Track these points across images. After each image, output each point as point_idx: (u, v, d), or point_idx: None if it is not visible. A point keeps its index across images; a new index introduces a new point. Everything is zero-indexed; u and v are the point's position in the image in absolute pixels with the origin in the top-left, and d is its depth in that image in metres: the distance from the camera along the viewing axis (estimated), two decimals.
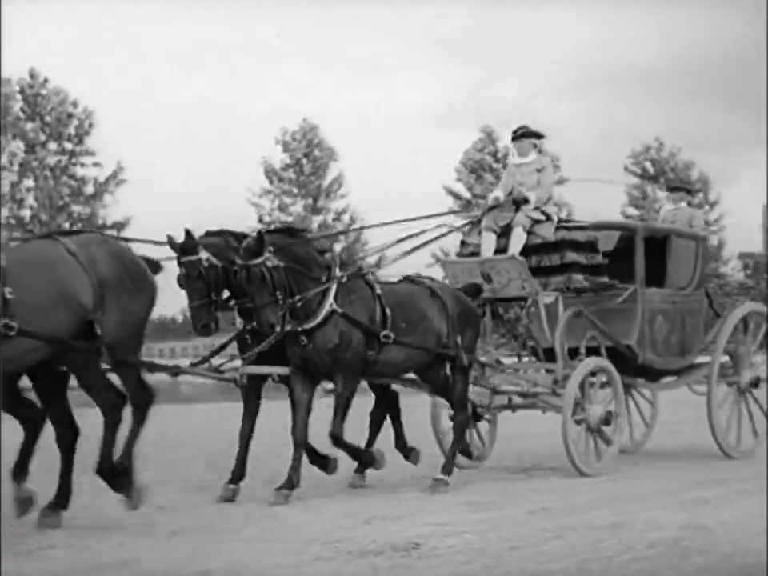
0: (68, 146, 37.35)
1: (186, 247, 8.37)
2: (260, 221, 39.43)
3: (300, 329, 8.34)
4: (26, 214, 37.49)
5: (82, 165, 37.77)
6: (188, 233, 8.39)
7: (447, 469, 8.99)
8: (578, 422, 9.62)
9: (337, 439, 8.42)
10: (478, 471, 10.01)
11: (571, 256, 9.88)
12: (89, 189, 37.73)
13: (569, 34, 65.55)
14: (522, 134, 10.40)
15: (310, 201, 41.20)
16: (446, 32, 64.82)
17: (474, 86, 67.12)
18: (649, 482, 9.24)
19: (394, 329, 8.69)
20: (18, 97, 37.04)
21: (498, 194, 10.32)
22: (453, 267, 10.52)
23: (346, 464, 8.97)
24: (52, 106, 37.23)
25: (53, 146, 37.34)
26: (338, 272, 8.62)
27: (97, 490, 7.60)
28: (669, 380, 11.34)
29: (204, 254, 8.35)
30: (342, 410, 8.47)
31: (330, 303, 8.40)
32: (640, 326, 10.38)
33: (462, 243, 10.56)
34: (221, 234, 8.63)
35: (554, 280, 9.96)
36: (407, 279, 9.38)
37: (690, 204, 12.62)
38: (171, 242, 8.43)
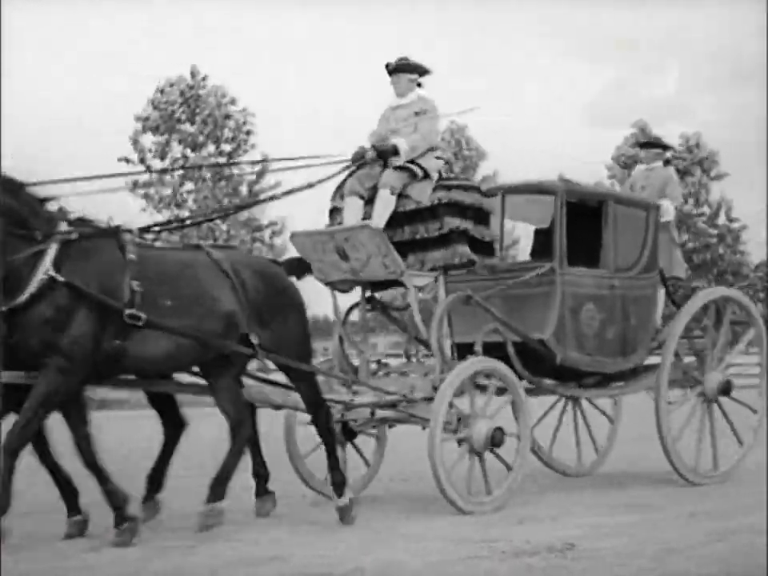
0: (226, 147, 37.79)
1: None
2: None
3: (4, 308, 6.07)
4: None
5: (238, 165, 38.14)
6: None
7: (339, 491, 7.30)
8: (459, 442, 7.65)
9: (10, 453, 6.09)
10: (635, 474, 9.80)
11: (452, 222, 7.62)
12: (244, 189, 38.17)
13: (716, 28, 64.07)
14: (398, 68, 8.07)
15: None
16: (595, 30, 64.09)
17: (621, 83, 66.14)
18: None
19: (151, 307, 6.42)
20: (179, 100, 37.63)
21: (367, 145, 7.95)
22: (302, 241, 8.01)
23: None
24: (209, 110, 37.75)
25: (211, 148, 37.89)
26: (65, 227, 6.40)
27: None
28: (617, 386, 9.24)
29: None
30: (29, 414, 6.13)
31: (46, 269, 6.15)
32: (558, 316, 8.23)
33: (332, 212, 8.17)
34: None
35: (432, 256, 7.72)
36: (190, 246, 7.37)
37: (668, 164, 10.35)
38: None
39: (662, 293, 9.28)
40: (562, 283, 8.25)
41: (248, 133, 37.10)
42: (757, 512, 7.26)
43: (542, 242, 8.94)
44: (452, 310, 7.90)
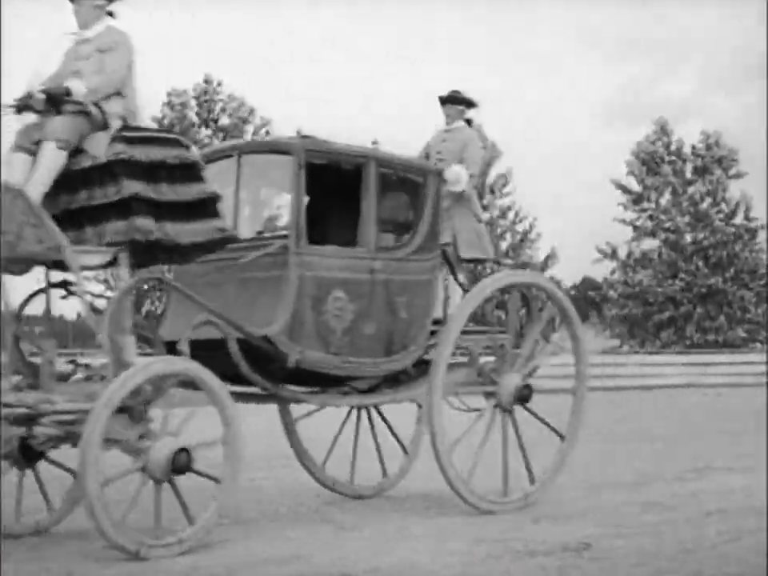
0: None
1: None
2: None
3: None
4: None
5: None
6: None
7: None
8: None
9: None
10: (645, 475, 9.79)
11: (131, 186, 6.00)
12: None
13: (734, 28, 63.91)
14: None
15: None
16: (613, 29, 63.95)
17: (639, 82, 65.96)
18: None
19: None
20: (193, 103, 37.83)
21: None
22: None
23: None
24: (230, 111, 37.91)
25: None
26: None
27: None
28: (388, 392, 7.63)
29: None
30: None
31: None
32: (292, 306, 6.70)
33: None
34: None
35: (112, 227, 6.04)
36: None
37: (470, 124, 8.74)
38: None
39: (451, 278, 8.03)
40: (298, 265, 6.71)
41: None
42: None
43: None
44: (174, 300, 6.87)
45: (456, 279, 8.13)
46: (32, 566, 5.78)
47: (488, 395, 7.67)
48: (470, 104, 8.59)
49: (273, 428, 8.71)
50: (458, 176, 8.27)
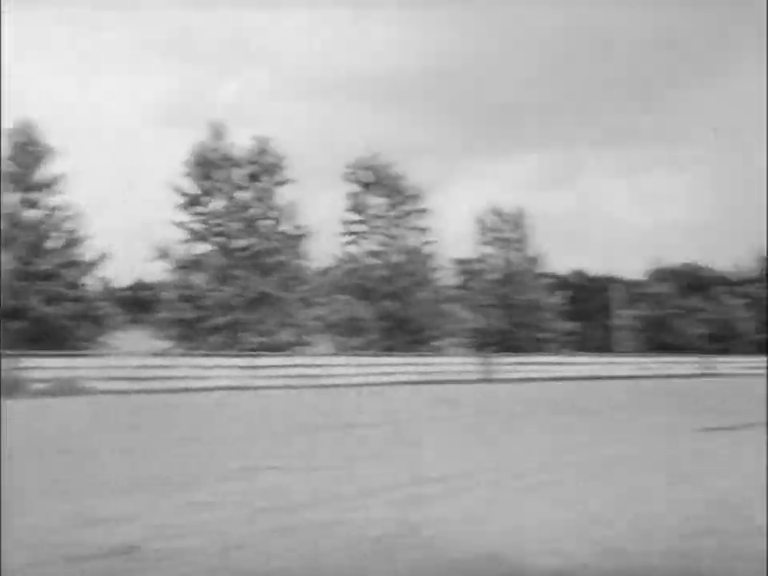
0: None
1: None
2: None
3: None
4: None
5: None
6: None
7: None
8: None
9: None
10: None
11: None
12: None
13: (299, 41, 66.41)
14: None
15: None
16: (170, 31, 64.04)
17: (195, 85, 66.68)
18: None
19: None
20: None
21: None
22: None
23: None
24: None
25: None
26: None
27: None
28: None
29: None
30: None
31: None
32: None
33: None
34: None
35: None
36: None
37: None
38: None
39: None
40: None
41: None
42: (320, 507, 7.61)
43: None
44: None
45: None
46: None
47: None
48: None
49: None
50: None
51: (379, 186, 44.51)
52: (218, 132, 40.41)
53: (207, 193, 39.56)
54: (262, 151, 40.38)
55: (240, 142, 40.60)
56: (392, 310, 43.15)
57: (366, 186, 44.86)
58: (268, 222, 40.11)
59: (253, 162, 40.08)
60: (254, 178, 40.14)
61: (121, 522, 7.12)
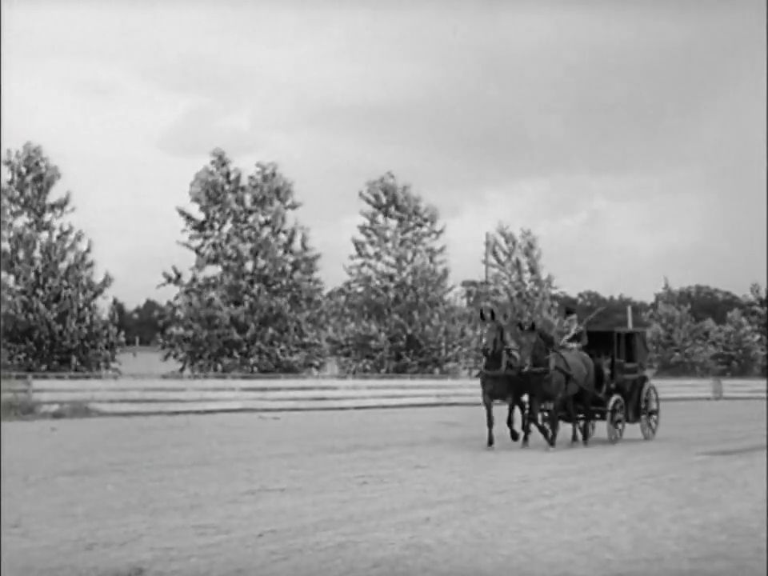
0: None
1: None
2: None
3: None
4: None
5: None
6: None
7: None
8: None
9: None
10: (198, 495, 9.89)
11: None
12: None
13: (299, 70, 66.87)
14: None
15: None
16: (173, 58, 64.50)
17: (200, 113, 67.08)
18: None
19: None
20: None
21: None
22: None
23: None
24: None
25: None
26: None
27: None
28: None
29: None
30: None
31: None
32: None
33: None
34: None
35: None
36: None
37: None
38: None
39: None
40: None
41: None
42: (328, 529, 7.58)
43: None
44: None
45: None
46: None
47: None
48: None
49: None
50: None
51: (394, 206, 44.55)
52: (220, 157, 40.45)
53: (214, 217, 39.55)
54: (269, 175, 40.42)
55: (247, 169, 40.65)
56: (403, 330, 43.08)
57: (381, 207, 44.89)
58: (279, 244, 40.12)
59: (259, 186, 40.10)
60: (262, 201, 40.16)
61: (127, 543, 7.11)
